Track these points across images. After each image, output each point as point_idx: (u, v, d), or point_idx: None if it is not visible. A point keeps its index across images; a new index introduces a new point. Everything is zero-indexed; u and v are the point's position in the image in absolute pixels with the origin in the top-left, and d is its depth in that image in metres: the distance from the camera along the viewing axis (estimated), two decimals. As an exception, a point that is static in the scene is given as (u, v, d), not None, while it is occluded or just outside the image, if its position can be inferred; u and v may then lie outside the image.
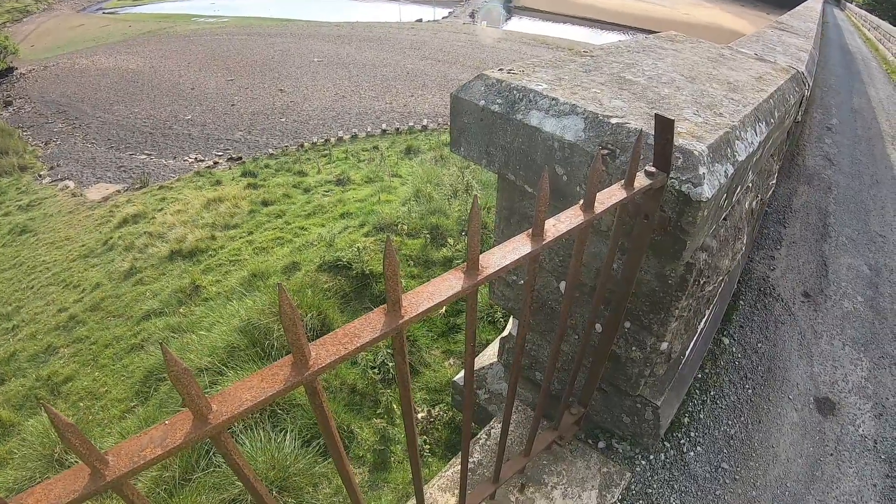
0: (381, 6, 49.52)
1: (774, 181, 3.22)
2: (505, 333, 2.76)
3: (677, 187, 1.43)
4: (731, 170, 1.64)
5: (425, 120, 21.33)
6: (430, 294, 0.93)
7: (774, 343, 3.55)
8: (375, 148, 17.30)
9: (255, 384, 0.76)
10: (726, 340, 3.45)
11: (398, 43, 34.15)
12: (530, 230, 1.04)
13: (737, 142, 1.79)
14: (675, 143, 1.49)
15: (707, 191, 1.44)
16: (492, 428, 2.36)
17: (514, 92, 1.70)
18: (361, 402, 4.13)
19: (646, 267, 1.59)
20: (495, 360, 2.78)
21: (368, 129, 20.81)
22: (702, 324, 2.60)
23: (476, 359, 2.84)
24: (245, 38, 35.50)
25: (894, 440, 3.17)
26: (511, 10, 43.93)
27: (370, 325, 0.89)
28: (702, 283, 1.74)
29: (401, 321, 0.89)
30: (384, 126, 20.99)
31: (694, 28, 40.68)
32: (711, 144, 1.58)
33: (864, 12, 47.79)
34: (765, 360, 3.38)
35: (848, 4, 58.03)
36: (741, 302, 3.86)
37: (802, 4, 17.99)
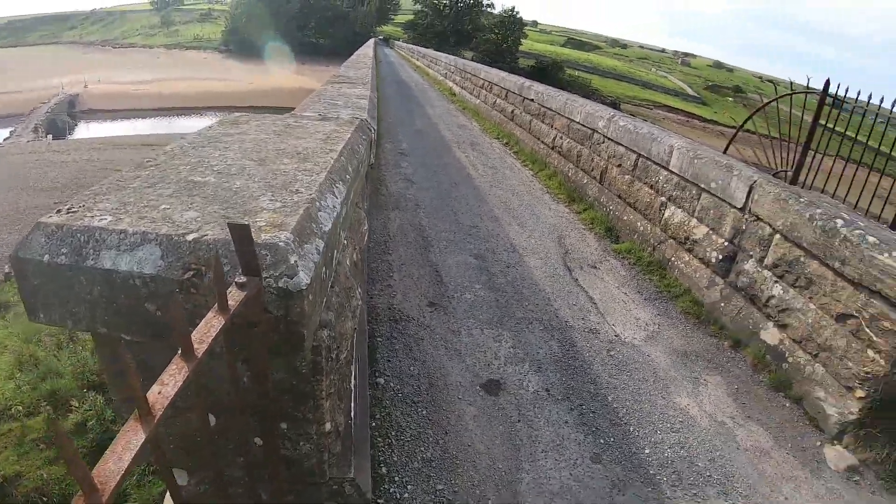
0: (-73, 146, 38.17)
1: (367, 226, 3.56)
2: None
3: (275, 285, 1.41)
4: (321, 244, 1.70)
5: (6, 266, 17.34)
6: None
7: (423, 360, 3.91)
8: (-48, 325, 13.29)
9: None
10: (381, 380, 3.64)
11: (-46, 181, 27.22)
12: (136, 413, 0.89)
13: (320, 213, 1.86)
14: (259, 241, 1.46)
15: (304, 278, 1.45)
16: None
17: (79, 235, 1.46)
18: None
19: (275, 367, 1.55)
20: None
21: (-65, 305, 15.88)
22: (352, 384, 2.71)
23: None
24: None
25: (559, 381, 3.79)
26: (77, 116, 38.78)
27: None
28: (335, 356, 1.79)
29: None
30: (-46, 294, 16.31)
31: (267, 95, 42.75)
32: (295, 228, 1.61)
33: (410, 45, 57.91)
34: (422, 378, 3.70)
35: (396, 42, 70.43)
36: (378, 339, 4.11)
37: (356, 52, 20.48)
